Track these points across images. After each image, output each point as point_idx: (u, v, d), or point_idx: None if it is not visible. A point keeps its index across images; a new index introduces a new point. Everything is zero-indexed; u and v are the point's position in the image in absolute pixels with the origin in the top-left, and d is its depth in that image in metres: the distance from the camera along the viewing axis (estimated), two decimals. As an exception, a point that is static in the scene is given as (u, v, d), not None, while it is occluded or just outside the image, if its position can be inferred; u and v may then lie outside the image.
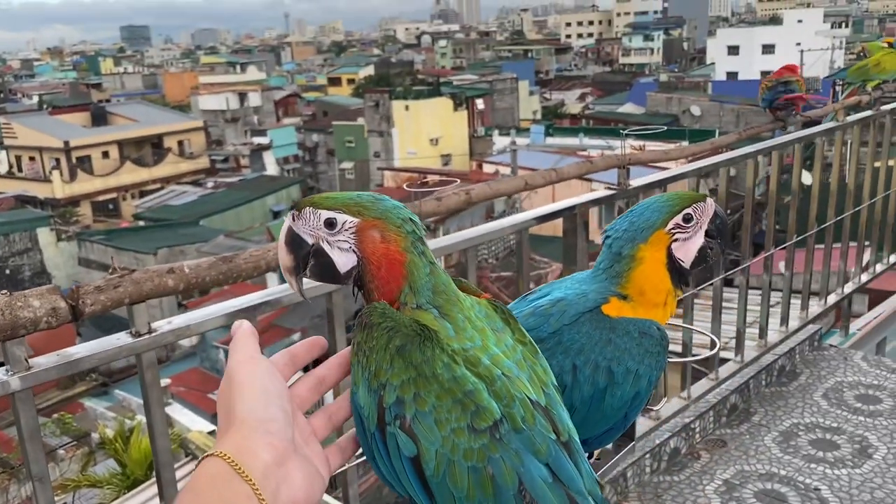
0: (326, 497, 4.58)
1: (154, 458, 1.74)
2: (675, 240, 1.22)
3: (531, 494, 0.76)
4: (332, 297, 1.93)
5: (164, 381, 10.54)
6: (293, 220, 0.88)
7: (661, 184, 2.94)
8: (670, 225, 1.21)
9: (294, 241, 0.88)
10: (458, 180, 2.22)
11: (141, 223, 31.19)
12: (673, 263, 1.22)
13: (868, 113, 4.25)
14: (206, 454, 0.69)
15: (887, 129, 4.46)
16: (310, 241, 0.87)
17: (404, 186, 1.97)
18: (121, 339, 1.60)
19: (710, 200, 1.23)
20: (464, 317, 0.85)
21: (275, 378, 0.79)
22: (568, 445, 0.82)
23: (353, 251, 0.86)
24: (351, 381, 0.85)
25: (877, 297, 5.71)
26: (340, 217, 0.85)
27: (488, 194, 2.29)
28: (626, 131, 2.47)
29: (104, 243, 26.74)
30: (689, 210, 1.22)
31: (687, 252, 1.22)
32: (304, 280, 0.92)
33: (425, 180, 2.19)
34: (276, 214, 31.66)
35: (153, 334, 1.61)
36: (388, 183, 31.81)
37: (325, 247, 0.87)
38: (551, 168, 2.43)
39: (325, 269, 0.87)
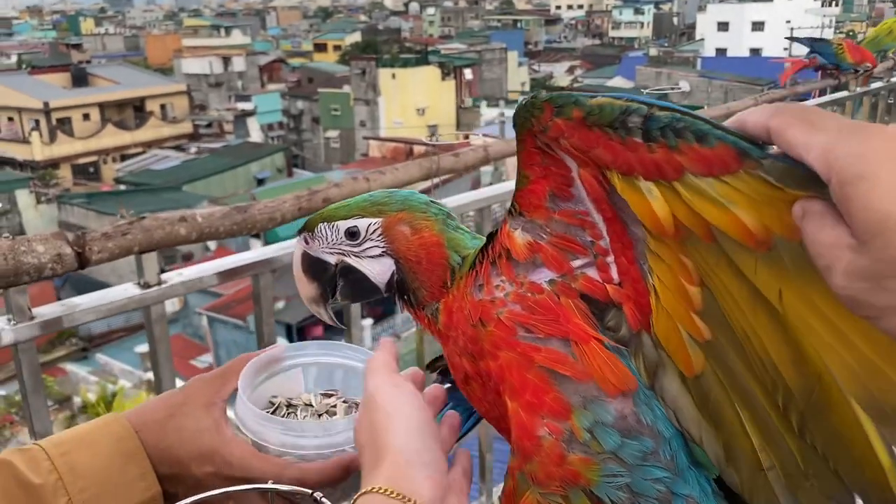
0: None
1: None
2: None
3: None
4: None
5: (146, 347, 10.43)
6: (306, 243, 0.78)
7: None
8: None
9: (313, 266, 0.78)
10: (469, 142, 2.15)
11: (122, 187, 30.77)
12: None
13: (878, 84, 4.20)
14: (361, 492, 0.60)
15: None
16: (332, 260, 0.78)
17: (424, 139, 1.88)
18: (128, 290, 1.51)
19: None
20: None
21: (424, 408, 0.70)
22: None
23: (387, 254, 0.77)
24: None
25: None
26: (362, 222, 0.76)
27: (506, 151, 2.21)
28: (646, 90, 2.39)
29: (85, 206, 26.38)
30: None
31: None
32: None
33: (466, 136, 2.13)
34: (261, 182, 31.35)
35: (163, 286, 1.53)
36: (374, 153, 31.53)
37: (352, 261, 0.77)
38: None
39: (359, 287, 0.78)
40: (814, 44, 3.67)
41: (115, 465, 0.70)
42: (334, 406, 0.81)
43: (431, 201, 0.80)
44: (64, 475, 0.69)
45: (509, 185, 2.39)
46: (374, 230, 0.76)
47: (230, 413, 0.78)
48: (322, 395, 0.83)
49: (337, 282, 0.78)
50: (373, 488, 0.59)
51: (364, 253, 0.77)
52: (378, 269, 0.77)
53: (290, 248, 1.73)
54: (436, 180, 2.01)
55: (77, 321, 1.44)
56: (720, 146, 0.57)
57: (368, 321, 14.26)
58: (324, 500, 0.62)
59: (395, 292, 0.79)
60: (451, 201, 2.13)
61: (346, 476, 0.73)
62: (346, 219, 0.77)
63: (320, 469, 0.72)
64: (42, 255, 1.33)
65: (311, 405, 0.82)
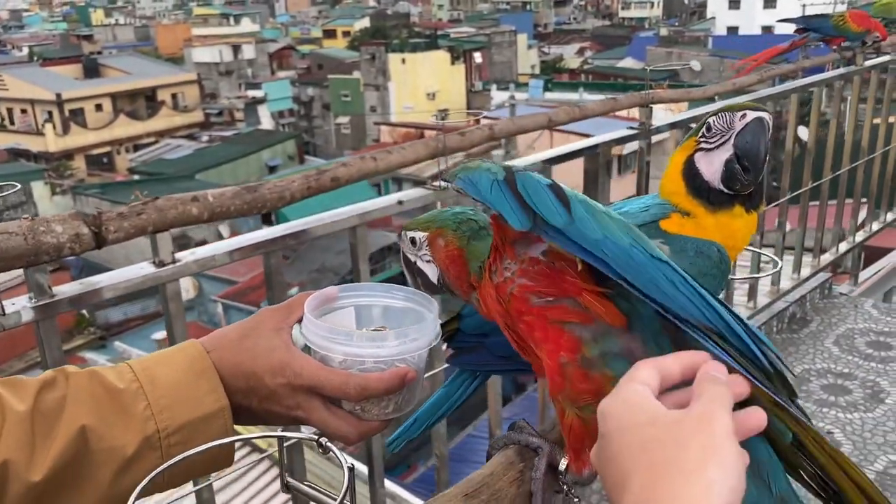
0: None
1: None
2: (700, 149, 1.09)
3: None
4: (357, 231, 1.89)
5: (162, 334, 10.54)
6: (400, 242, 1.03)
7: (681, 125, 2.88)
8: (702, 131, 1.10)
9: (405, 261, 1.03)
10: (483, 112, 2.18)
11: (136, 177, 30.93)
12: (691, 173, 1.09)
13: (886, 58, 4.17)
14: None
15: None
16: (412, 259, 1.02)
17: (430, 117, 1.91)
18: (144, 268, 1.56)
19: (749, 114, 1.06)
20: None
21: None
22: None
23: (432, 262, 1.00)
24: (462, 185, 0.85)
25: (873, 255, 5.65)
26: (418, 235, 1.00)
27: (511, 130, 2.24)
28: (651, 67, 2.40)
29: (100, 197, 26.53)
30: (711, 118, 1.09)
31: (709, 165, 1.07)
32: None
33: (476, 117, 2.16)
34: (272, 169, 31.42)
35: (177, 264, 1.57)
36: (385, 138, 31.50)
37: (419, 263, 1.01)
38: (575, 104, 2.37)
39: (426, 281, 1.01)
40: (808, 21, 3.53)
41: (189, 380, 0.80)
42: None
43: (471, 219, 1.00)
44: (144, 384, 0.79)
45: (515, 163, 2.42)
46: (424, 241, 1.00)
47: (297, 335, 0.89)
48: (373, 330, 0.94)
49: (417, 277, 1.02)
50: None
51: (422, 257, 1.01)
52: (431, 271, 1.00)
53: (297, 227, 1.77)
54: (442, 160, 2.04)
55: (96, 298, 1.49)
56: None
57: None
58: (328, 443, 0.67)
59: (446, 289, 1.01)
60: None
61: (401, 386, 0.83)
62: (409, 230, 1.01)
63: (379, 378, 0.82)
64: (61, 235, 1.38)
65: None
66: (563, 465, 0.91)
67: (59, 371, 0.80)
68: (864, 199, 4.44)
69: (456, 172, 0.87)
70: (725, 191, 1.07)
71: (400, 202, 1.97)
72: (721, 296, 0.96)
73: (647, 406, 0.59)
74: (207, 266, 1.64)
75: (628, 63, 38.40)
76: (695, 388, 0.60)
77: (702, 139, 1.10)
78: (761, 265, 3.56)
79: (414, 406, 0.89)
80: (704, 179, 1.08)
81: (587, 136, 2.66)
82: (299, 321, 0.87)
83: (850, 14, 3.50)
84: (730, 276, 1.10)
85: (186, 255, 1.60)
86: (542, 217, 0.78)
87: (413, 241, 1.00)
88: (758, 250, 2.80)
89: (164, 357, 0.83)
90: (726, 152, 1.07)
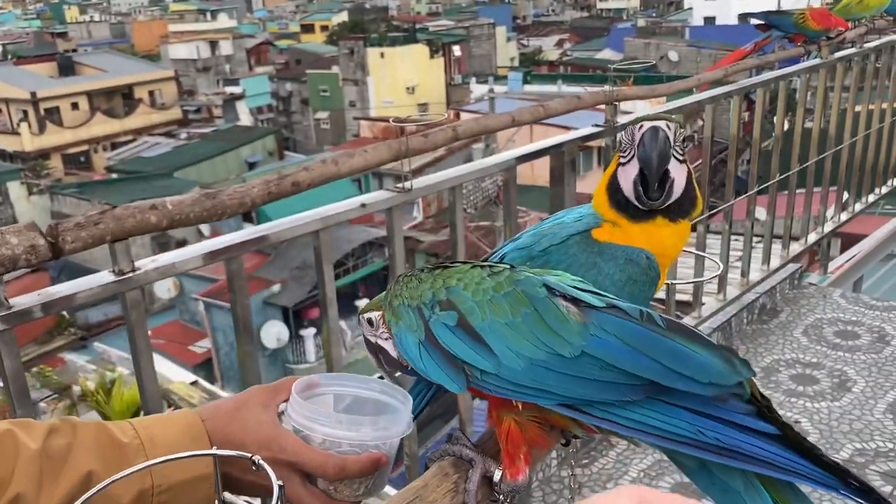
0: None
1: (142, 401, 1.72)
2: (619, 163, 1.10)
3: (560, 290, 0.88)
4: (320, 236, 1.90)
5: (144, 334, 10.43)
6: (360, 327, 1.04)
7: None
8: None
9: (367, 343, 1.03)
10: (446, 115, 2.18)
11: (114, 176, 30.65)
12: (613, 187, 1.10)
13: (851, 51, 4.22)
14: None
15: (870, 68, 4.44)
16: (372, 340, 1.02)
17: (390, 121, 1.92)
18: (104, 277, 1.56)
19: (644, 125, 1.06)
20: None
21: None
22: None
23: (390, 339, 1.00)
24: (396, 344, 0.97)
25: (848, 241, 5.77)
26: (374, 315, 1.01)
27: (475, 130, 2.25)
28: (614, 65, 2.43)
29: (77, 196, 26.29)
30: (620, 132, 1.10)
31: (625, 179, 1.08)
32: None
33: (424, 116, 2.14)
34: (252, 165, 31.23)
35: (137, 272, 1.57)
36: (365, 133, 31.38)
37: (379, 342, 1.01)
38: (538, 104, 2.38)
39: (388, 359, 1.00)
40: (769, 17, 3.55)
41: (184, 444, 0.86)
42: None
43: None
44: (144, 441, 0.86)
45: (479, 163, 2.43)
46: (380, 320, 1.00)
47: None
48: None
49: (379, 356, 1.01)
50: None
51: (381, 336, 1.00)
52: (390, 348, 0.99)
53: (259, 232, 1.78)
54: (406, 161, 2.05)
55: (54, 309, 1.49)
56: None
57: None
58: (261, 462, 0.69)
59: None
60: (424, 181, 2.18)
61: (375, 469, 0.89)
62: (367, 312, 1.02)
63: (356, 460, 0.88)
64: (16, 247, 1.38)
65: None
66: (497, 475, 0.92)
67: (64, 420, 0.86)
68: (833, 188, 4.50)
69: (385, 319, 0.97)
70: (638, 204, 1.09)
71: (363, 205, 1.98)
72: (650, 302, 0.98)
73: None
74: (168, 273, 1.64)
75: (607, 54, 38.47)
76: None
77: (620, 154, 1.12)
78: (705, 270, 3.56)
79: (380, 490, 0.95)
80: (623, 193, 1.10)
81: (568, 128, 2.69)
82: (286, 401, 0.93)
83: (810, 12, 3.54)
84: (669, 282, 1.13)
85: (147, 263, 1.61)
86: (471, 366, 0.87)
87: (370, 321, 1.01)
88: (702, 254, 2.84)
89: (164, 420, 0.91)
90: (634, 167, 1.09)
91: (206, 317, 18.01)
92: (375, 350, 1.02)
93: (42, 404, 11.38)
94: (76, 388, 11.29)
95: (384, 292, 1.04)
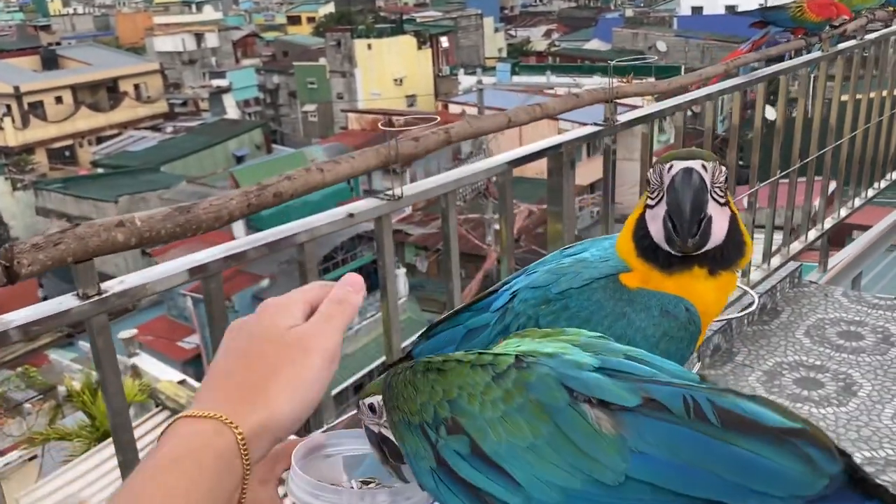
0: None
1: (110, 423, 1.59)
2: (647, 205, 0.96)
3: (585, 393, 0.70)
4: (305, 248, 1.77)
5: (131, 332, 10.32)
6: (360, 414, 0.90)
7: (648, 119, 2.79)
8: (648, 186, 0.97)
9: (368, 434, 0.89)
10: (438, 118, 2.04)
11: (99, 170, 30.32)
12: (640, 233, 0.96)
13: (852, 43, 4.12)
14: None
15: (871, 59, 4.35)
16: (374, 429, 0.87)
17: (379, 125, 1.79)
18: (65, 302, 1.43)
19: (675, 165, 0.92)
20: None
21: None
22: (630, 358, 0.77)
23: None
24: (410, 469, 0.82)
25: (840, 231, 5.68)
26: (376, 400, 0.86)
27: (469, 132, 2.12)
28: (613, 62, 2.30)
29: (62, 192, 26.00)
30: (649, 171, 0.96)
31: (654, 222, 0.94)
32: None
33: (406, 117, 2.01)
34: (240, 159, 30.98)
35: (102, 295, 1.44)
36: (353, 125, 31.17)
37: (382, 431, 0.87)
38: (535, 103, 2.26)
39: (392, 451, 0.86)
40: (764, 13, 3.39)
41: None
42: (374, 487, 0.89)
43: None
44: None
45: (472, 168, 2.31)
46: (383, 406, 0.84)
47: (281, 490, 0.87)
48: (361, 482, 0.90)
49: (383, 447, 0.86)
50: None
51: (384, 425, 0.85)
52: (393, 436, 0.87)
53: (238, 247, 1.65)
54: (395, 167, 1.92)
55: (9, 339, 1.35)
56: None
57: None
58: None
59: None
60: (414, 187, 2.05)
61: None
62: (367, 397, 0.86)
63: None
64: (-34, 272, 1.25)
65: (353, 488, 0.89)
66: None
67: None
68: (832, 186, 4.41)
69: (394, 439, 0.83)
70: (671, 251, 0.94)
71: (350, 215, 1.85)
72: (688, 363, 0.85)
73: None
74: (139, 295, 1.51)
75: (595, 45, 38.42)
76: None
77: (649, 195, 0.97)
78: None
79: None
80: (653, 239, 0.96)
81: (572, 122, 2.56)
82: (286, 470, 0.84)
83: (808, 3, 3.36)
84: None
85: (114, 285, 1.47)
86: (497, 499, 0.72)
87: (371, 407, 0.86)
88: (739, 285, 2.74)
89: None
90: (663, 208, 0.94)
91: (195, 312, 17.86)
92: (378, 441, 0.86)
93: (27, 405, 11.22)
94: (62, 389, 11.12)
95: (383, 374, 0.90)
